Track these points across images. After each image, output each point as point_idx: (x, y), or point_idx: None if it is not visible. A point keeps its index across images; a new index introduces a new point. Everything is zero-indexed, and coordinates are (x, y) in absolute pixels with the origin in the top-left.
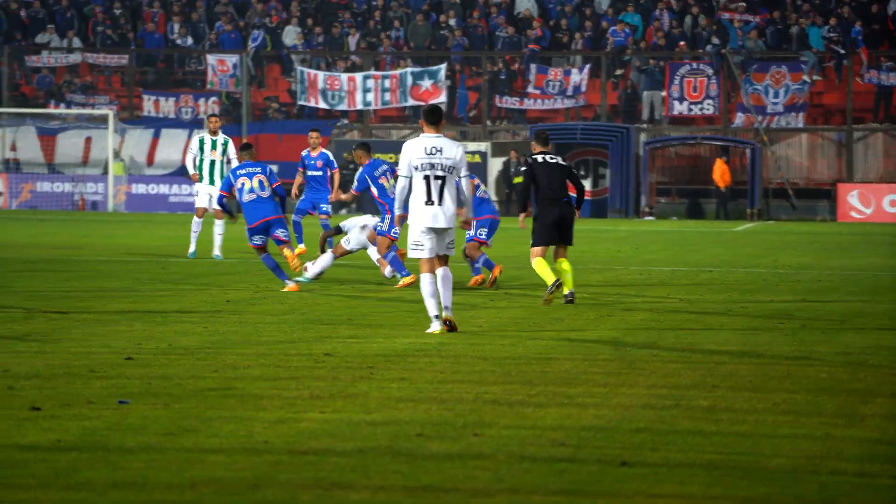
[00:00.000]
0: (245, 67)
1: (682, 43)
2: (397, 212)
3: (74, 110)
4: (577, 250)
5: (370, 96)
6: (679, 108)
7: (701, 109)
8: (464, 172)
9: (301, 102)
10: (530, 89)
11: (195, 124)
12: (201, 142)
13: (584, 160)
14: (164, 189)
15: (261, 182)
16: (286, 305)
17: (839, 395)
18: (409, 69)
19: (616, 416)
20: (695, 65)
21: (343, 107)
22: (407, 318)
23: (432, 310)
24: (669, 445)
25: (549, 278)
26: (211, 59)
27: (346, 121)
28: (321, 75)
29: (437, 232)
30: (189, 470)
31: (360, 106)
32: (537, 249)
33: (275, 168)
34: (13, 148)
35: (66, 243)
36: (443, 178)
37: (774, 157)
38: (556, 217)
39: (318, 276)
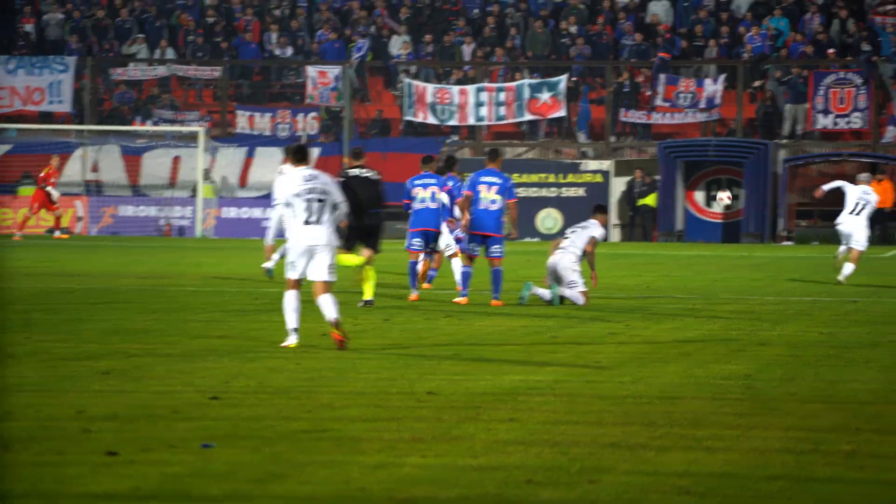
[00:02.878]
0: (347, 80)
1: (830, 51)
2: (270, 242)
3: (162, 127)
4: (707, 279)
5: (483, 110)
6: (823, 122)
7: (848, 123)
8: (339, 199)
9: (408, 118)
10: (659, 102)
11: (292, 142)
12: None
13: (716, 179)
14: (257, 213)
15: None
16: (387, 339)
17: None
18: (526, 81)
19: (748, 461)
20: (842, 74)
21: (454, 122)
22: (517, 353)
23: (292, 322)
24: (807, 494)
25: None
26: (311, 70)
27: (456, 137)
28: (430, 88)
29: (314, 251)
30: None
31: (472, 121)
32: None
33: None
34: (94, 169)
35: (151, 272)
36: (322, 202)
37: None
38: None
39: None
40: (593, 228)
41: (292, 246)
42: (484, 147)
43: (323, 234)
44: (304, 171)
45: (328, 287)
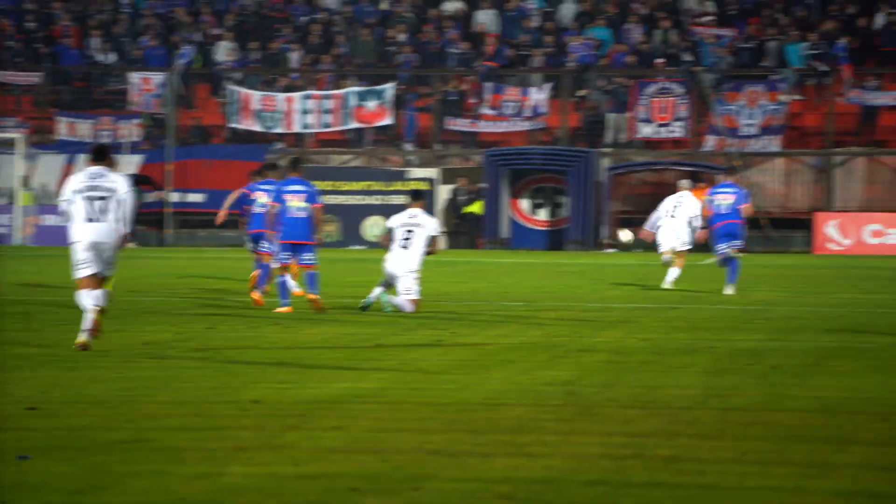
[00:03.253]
0: (172, 86)
1: (659, 60)
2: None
3: None
4: (531, 286)
5: (310, 118)
6: (646, 131)
7: (669, 132)
8: (124, 197)
9: (233, 125)
10: (484, 110)
11: (114, 149)
12: None
13: (541, 188)
14: None
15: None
16: (210, 348)
17: (811, 442)
18: (352, 89)
19: (568, 466)
20: (664, 83)
21: (279, 130)
22: (343, 360)
23: (89, 305)
24: (626, 499)
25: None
26: (134, 77)
27: (282, 145)
28: (256, 95)
29: (99, 247)
30: None
31: (298, 129)
32: None
33: (201, 198)
34: None
35: None
36: (104, 199)
37: (747, 183)
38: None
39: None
40: (426, 225)
41: (78, 244)
42: (310, 155)
43: (106, 231)
44: (91, 169)
45: (105, 282)
